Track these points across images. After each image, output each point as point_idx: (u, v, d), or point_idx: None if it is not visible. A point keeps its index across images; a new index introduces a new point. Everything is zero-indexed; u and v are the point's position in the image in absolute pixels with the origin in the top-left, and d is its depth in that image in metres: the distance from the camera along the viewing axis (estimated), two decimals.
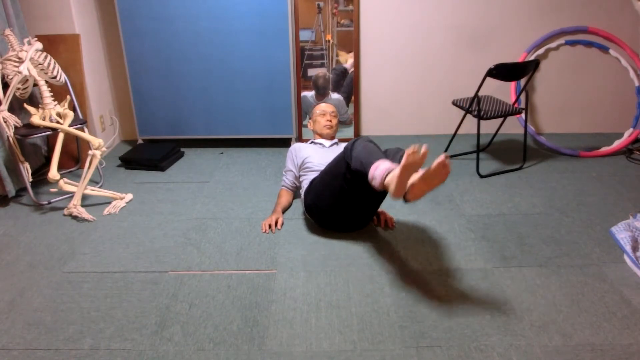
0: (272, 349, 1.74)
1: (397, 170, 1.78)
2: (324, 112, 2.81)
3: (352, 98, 3.69)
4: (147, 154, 3.35)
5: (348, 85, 3.66)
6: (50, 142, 3.31)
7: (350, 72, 3.61)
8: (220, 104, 3.55)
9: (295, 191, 2.78)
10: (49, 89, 2.85)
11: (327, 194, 2.32)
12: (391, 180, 1.82)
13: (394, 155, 2.23)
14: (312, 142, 2.80)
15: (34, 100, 3.10)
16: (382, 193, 2.28)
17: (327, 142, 2.78)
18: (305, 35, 3.56)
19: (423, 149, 1.72)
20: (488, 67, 2.86)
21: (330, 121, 2.79)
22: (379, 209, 2.59)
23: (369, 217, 2.44)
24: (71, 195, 2.88)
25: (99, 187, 3.01)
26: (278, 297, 2.01)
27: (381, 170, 1.88)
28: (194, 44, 3.41)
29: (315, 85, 3.65)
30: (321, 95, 3.67)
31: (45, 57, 2.84)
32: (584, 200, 2.76)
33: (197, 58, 3.44)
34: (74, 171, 3.35)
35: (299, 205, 2.74)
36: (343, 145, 2.76)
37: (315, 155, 2.63)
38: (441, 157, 1.71)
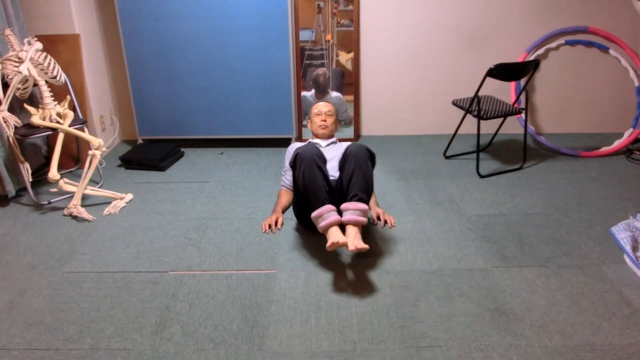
0: (272, 349, 1.74)
1: (328, 238, 2.08)
2: (319, 111, 2.78)
3: (353, 98, 3.69)
4: (147, 154, 3.35)
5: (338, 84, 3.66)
6: (50, 142, 3.31)
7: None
8: (220, 104, 3.55)
9: None
10: (49, 89, 2.85)
11: (305, 203, 2.32)
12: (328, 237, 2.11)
13: (348, 181, 2.22)
14: (309, 141, 2.79)
15: (34, 100, 3.10)
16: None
17: (323, 142, 2.75)
18: (305, 35, 3.56)
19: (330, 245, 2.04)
20: (488, 67, 2.86)
21: (325, 121, 2.75)
22: (379, 209, 2.59)
23: None
24: (71, 195, 2.88)
25: (99, 187, 3.01)
26: (278, 297, 2.01)
27: (320, 226, 2.14)
28: (194, 44, 3.41)
29: (316, 84, 3.65)
30: (321, 94, 3.67)
31: (45, 57, 2.84)
32: (584, 200, 2.76)
33: (197, 58, 3.44)
34: (74, 171, 3.35)
35: None
36: (342, 144, 2.74)
37: None
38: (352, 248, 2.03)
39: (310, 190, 2.18)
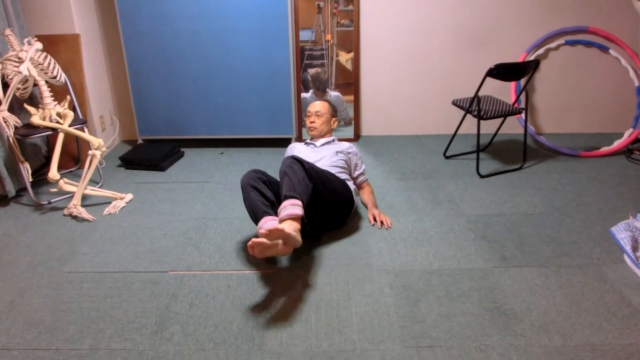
0: (272, 349, 1.74)
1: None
2: (309, 112, 2.78)
3: (353, 98, 3.69)
4: (147, 154, 3.35)
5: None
6: (50, 142, 3.31)
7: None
8: (220, 104, 3.55)
9: None
10: (49, 89, 2.85)
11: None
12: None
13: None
14: (306, 141, 2.80)
15: (34, 100, 3.10)
16: (320, 202, 2.31)
17: (317, 142, 2.74)
18: (305, 35, 3.56)
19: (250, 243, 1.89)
20: (488, 67, 2.86)
21: (313, 122, 2.74)
22: (375, 210, 2.58)
23: (328, 217, 2.42)
24: (71, 195, 2.88)
25: (99, 187, 3.01)
26: (278, 297, 2.01)
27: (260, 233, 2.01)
28: (194, 44, 3.41)
29: (317, 81, 3.64)
30: (321, 92, 3.66)
31: (45, 57, 2.84)
32: (584, 200, 2.76)
33: (197, 58, 3.44)
34: (74, 171, 3.35)
35: None
36: (339, 143, 2.73)
37: (303, 156, 2.62)
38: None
39: (252, 212, 2.22)
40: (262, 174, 2.33)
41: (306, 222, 2.22)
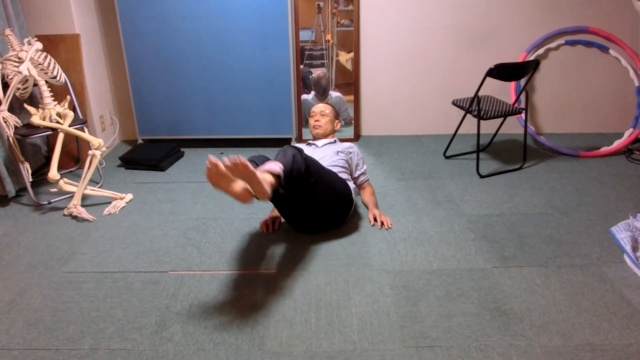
0: (272, 349, 1.74)
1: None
2: (313, 112, 2.83)
3: (353, 98, 3.70)
4: (147, 154, 3.35)
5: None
6: (50, 142, 3.31)
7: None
8: (220, 104, 3.55)
9: None
10: (49, 89, 2.85)
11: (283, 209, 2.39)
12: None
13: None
14: (308, 142, 2.82)
15: (34, 100, 3.10)
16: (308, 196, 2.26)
17: (319, 142, 2.77)
18: (305, 35, 3.56)
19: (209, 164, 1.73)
20: (488, 67, 2.86)
21: (318, 121, 2.79)
22: (376, 211, 2.58)
23: (325, 215, 2.40)
24: (71, 195, 2.88)
25: (99, 187, 3.01)
26: (278, 297, 2.01)
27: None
28: (194, 44, 3.41)
29: (318, 85, 3.64)
30: (322, 95, 3.67)
31: (45, 57, 2.84)
32: (584, 200, 2.76)
33: (197, 58, 3.44)
34: (74, 171, 3.35)
35: None
36: (340, 143, 2.74)
37: None
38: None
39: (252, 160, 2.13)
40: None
41: (282, 184, 2.01)
